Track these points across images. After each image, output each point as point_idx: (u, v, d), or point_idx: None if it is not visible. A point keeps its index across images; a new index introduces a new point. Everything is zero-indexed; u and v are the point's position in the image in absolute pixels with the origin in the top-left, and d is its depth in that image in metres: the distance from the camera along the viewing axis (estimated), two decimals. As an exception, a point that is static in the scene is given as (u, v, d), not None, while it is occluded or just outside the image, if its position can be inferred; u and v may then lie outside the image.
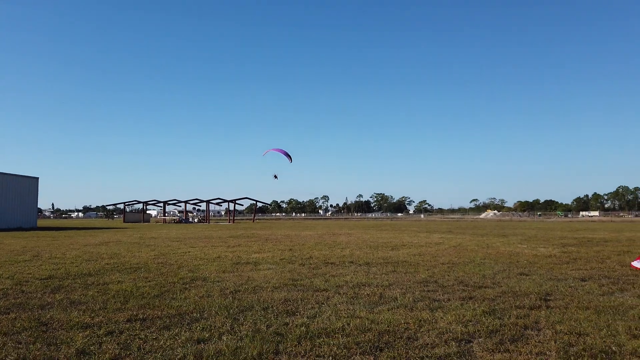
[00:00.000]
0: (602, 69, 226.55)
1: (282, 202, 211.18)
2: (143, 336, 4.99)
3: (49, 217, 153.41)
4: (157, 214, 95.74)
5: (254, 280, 8.75)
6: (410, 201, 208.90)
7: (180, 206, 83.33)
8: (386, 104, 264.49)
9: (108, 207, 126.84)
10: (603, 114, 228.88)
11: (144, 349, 4.57)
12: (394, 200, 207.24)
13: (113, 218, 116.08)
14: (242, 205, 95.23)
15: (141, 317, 5.84)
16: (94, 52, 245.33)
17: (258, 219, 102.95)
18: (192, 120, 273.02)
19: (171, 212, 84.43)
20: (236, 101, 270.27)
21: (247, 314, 6.01)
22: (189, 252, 14.96)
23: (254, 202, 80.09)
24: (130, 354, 4.42)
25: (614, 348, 4.48)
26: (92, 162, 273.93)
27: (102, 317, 5.83)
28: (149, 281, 8.70)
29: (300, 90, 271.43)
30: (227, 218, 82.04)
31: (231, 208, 75.13)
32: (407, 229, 34.58)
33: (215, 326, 5.39)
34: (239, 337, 4.92)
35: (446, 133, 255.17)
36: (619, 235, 24.65)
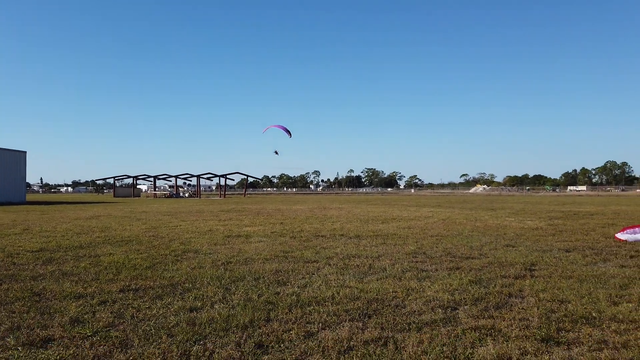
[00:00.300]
0: (590, 45, 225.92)
1: (273, 177, 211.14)
2: (136, 305, 5.07)
3: (37, 192, 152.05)
4: (148, 189, 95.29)
5: (246, 253, 8.84)
6: (401, 176, 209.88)
7: (170, 181, 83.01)
8: (377, 80, 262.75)
9: (98, 182, 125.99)
10: (592, 91, 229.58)
11: (137, 317, 4.65)
12: (385, 176, 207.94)
13: (103, 193, 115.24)
14: (233, 180, 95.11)
15: (134, 287, 5.91)
16: (84, 20, 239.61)
17: (249, 193, 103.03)
18: (183, 94, 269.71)
19: (162, 187, 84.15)
20: (228, 75, 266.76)
21: (238, 284, 6.11)
22: (180, 225, 15.01)
23: (245, 176, 79.93)
24: (123, 321, 4.50)
25: (594, 314, 4.64)
26: (81, 136, 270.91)
27: (95, 287, 5.89)
28: (141, 253, 8.76)
29: (293, 65, 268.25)
30: (218, 193, 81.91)
31: (222, 183, 75.00)
32: (397, 203, 34.87)
33: (207, 296, 5.48)
34: (231, 306, 5.02)
35: (437, 109, 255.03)
36: (605, 208, 25.09)
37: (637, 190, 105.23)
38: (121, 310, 4.87)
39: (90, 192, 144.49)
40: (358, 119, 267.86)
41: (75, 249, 9.39)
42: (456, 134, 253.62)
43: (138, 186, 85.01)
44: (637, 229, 11.51)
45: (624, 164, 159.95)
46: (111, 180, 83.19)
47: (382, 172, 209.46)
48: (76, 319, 4.57)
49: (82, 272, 6.89)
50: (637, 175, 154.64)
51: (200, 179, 74.41)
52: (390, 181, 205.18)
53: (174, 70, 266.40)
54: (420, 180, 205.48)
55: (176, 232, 12.68)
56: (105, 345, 3.87)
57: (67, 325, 4.36)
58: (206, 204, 35.38)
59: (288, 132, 34.59)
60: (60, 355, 3.68)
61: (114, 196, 70.70)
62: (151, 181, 79.63)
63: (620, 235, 10.80)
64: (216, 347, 3.81)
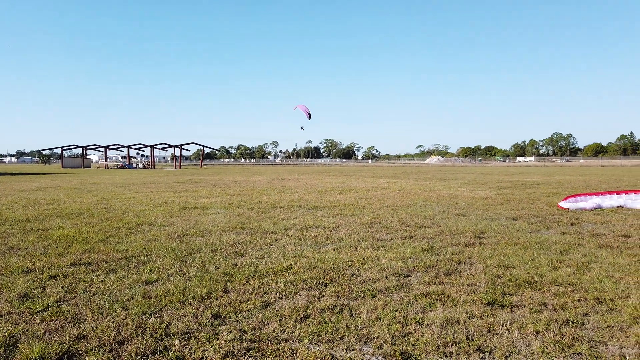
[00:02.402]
0: (537, 22, 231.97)
1: (231, 147, 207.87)
2: (88, 279, 4.96)
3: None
4: (98, 160, 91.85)
5: (202, 224, 8.76)
6: (359, 147, 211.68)
7: (122, 151, 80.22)
8: (335, 50, 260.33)
9: (44, 152, 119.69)
10: (540, 65, 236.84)
11: (90, 291, 4.56)
12: (343, 147, 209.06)
13: (50, 163, 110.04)
14: (189, 150, 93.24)
15: (85, 261, 5.76)
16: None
17: (206, 164, 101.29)
18: (134, 55, 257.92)
19: (113, 158, 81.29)
20: (185, 37, 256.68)
21: (195, 256, 6.07)
22: (134, 197, 14.63)
23: (201, 147, 78.40)
24: (75, 296, 4.39)
25: (536, 278, 4.94)
26: (24, 101, 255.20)
27: (44, 262, 5.70)
28: (93, 226, 8.51)
29: (250, 34, 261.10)
30: (174, 164, 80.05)
31: (177, 153, 73.22)
32: (355, 174, 35.29)
33: (163, 268, 5.42)
34: (187, 278, 5.00)
35: (393, 82, 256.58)
36: (550, 178, 26.38)
37: (581, 161, 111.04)
38: (73, 285, 4.75)
39: (36, 162, 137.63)
40: (315, 90, 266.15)
41: (22, 222, 9.00)
42: (412, 107, 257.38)
43: (88, 157, 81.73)
44: (578, 197, 12.21)
45: (569, 135, 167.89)
46: (59, 150, 79.42)
47: (341, 143, 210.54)
48: (25, 294, 4.43)
49: (30, 246, 6.63)
50: (580, 147, 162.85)
51: (155, 150, 72.37)
52: (349, 152, 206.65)
53: (128, 28, 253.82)
54: (377, 151, 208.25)
55: (129, 204, 12.35)
56: (56, 320, 3.79)
57: (15, 301, 4.22)
58: (161, 175, 34.54)
59: (309, 114, 34.68)
60: (9, 331, 3.57)
61: (62, 167, 67.69)
62: (102, 151, 76.63)
63: (563, 204, 11.43)
64: (173, 319, 3.80)
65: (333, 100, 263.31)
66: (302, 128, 40.05)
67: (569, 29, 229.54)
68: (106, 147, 72.78)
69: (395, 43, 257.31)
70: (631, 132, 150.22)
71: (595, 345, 3.31)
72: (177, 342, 3.38)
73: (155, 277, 5.04)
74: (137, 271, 5.30)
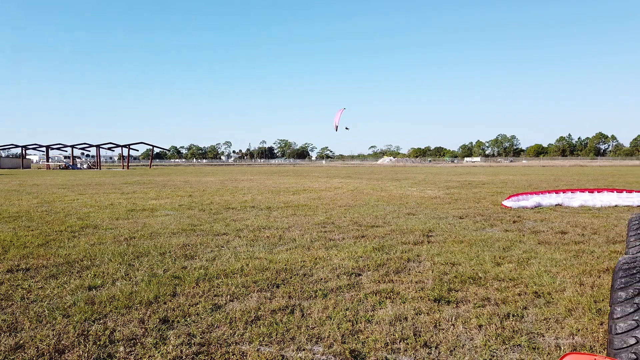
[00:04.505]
0: (483, 28, 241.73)
1: (182, 147, 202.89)
2: (27, 286, 4.70)
3: None
4: (40, 160, 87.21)
5: (151, 227, 8.51)
6: (313, 147, 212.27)
7: (66, 151, 76.55)
8: (289, 50, 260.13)
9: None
10: (485, 69, 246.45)
11: (28, 298, 4.32)
12: (297, 147, 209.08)
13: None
14: (138, 150, 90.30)
15: (24, 267, 5.46)
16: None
17: (155, 165, 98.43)
18: (79, 48, 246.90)
19: (56, 158, 77.42)
20: (124, 34, 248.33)
21: (142, 259, 5.89)
22: (78, 199, 14.01)
23: (151, 147, 76.20)
24: (12, 304, 4.16)
25: (480, 274, 5.14)
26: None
27: (-23, 269, 5.35)
28: (32, 230, 8.08)
29: (202, 30, 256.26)
30: (121, 164, 77.23)
31: (125, 153, 70.70)
32: (308, 175, 35.40)
33: (108, 273, 5.22)
34: (134, 282, 4.84)
35: (346, 83, 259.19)
36: (495, 178, 27.52)
37: (523, 162, 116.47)
38: (9, 292, 4.49)
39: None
40: (269, 89, 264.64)
41: (-48, 227, 8.41)
42: (365, 108, 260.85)
43: (28, 157, 77.44)
44: (520, 196, 12.82)
45: (513, 137, 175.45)
46: (-5, 150, 74.72)
47: (295, 143, 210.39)
48: (-46, 304, 4.14)
49: (-39, 253, 6.21)
50: (523, 148, 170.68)
51: (101, 150, 69.59)
52: (303, 152, 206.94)
53: (68, 22, 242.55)
54: (331, 151, 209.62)
55: (73, 207, 11.82)
56: (-10, 330, 3.56)
57: (-58, 312, 3.93)
58: (107, 176, 33.26)
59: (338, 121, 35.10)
60: None
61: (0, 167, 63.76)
62: (43, 151, 72.88)
63: (506, 203, 11.96)
64: (118, 325, 3.67)
65: (287, 100, 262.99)
66: (346, 128, 40.32)
67: (512, 34, 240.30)
68: (48, 147, 69.28)
69: (348, 45, 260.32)
70: (569, 134, 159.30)
71: (534, 337, 3.49)
72: (122, 348, 3.27)
73: (99, 282, 4.85)
74: (80, 276, 5.08)
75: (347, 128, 40.14)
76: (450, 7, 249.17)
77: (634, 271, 2.67)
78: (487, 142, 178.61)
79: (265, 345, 3.35)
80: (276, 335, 3.51)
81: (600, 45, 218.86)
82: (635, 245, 4.43)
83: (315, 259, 5.92)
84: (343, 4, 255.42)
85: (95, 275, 5.13)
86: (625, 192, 13.46)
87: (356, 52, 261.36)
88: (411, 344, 3.35)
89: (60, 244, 6.85)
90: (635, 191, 13.47)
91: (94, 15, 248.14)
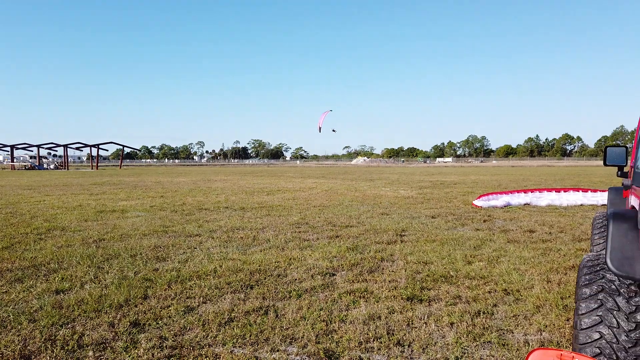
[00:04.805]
0: (453, 31, 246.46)
1: (153, 147, 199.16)
2: (-10, 291, 4.54)
3: None
4: (4, 160, 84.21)
5: (121, 228, 8.34)
6: (287, 148, 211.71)
7: (32, 151, 74.15)
8: (262, 50, 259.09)
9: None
10: (456, 72, 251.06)
11: (-9, 304, 4.17)
12: (272, 147, 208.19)
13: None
14: (107, 150, 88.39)
15: (-14, 271, 5.27)
16: None
17: (126, 165, 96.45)
18: (47, 44, 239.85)
19: (21, 158, 74.90)
20: (91, 31, 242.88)
21: (112, 262, 5.77)
22: (44, 200, 13.60)
23: (121, 147, 74.63)
24: (-26, 310, 4.00)
25: (452, 273, 5.23)
26: None
27: (-64, 274, 5.13)
28: (-5, 233, 7.80)
29: (174, 29, 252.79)
30: (90, 164, 75.37)
31: (94, 153, 69.00)
32: (283, 175, 35.30)
33: (76, 276, 5.09)
34: (103, 285, 4.73)
35: (321, 85, 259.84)
36: (466, 178, 28.04)
37: (493, 162, 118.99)
38: (-29, 298, 4.32)
39: None
40: (243, 89, 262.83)
41: None
42: (340, 109, 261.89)
43: (-9, 157, 74.71)
44: (490, 196, 13.10)
45: (483, 138, 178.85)
46: (-45, 150, 71.81)
47: (269, 143, 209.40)
48: None
49: None
50: (493, 148, 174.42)
51: (69, 149, 67.73)
52: (277, 153, 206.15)
53: (33, 15, 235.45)
54: (305, 152, 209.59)
55: (39, 208, 11.47)
56: (-50, 338, 3.43)
57: None
58: (75, 177, 32.41)
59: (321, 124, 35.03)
60: None
61: (-40, 168, 61.30)
62: (8, 151, 70.34)
63: (477, 202, 12.20)
64: (86, 330, 3.58)
65: (262, 100, 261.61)
66: (333, 130, 40.39)
67: (481, 40, 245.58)
68: (12, 147, 66.90)
69: (323, 47, 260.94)
70: (537, 135, 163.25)
71: (503, 333, 3.57)
72: (91, 353, 3.19)
73: (67, 285, 4.72)
74: (47, 280, 4.94)
75: (333, 130, 40.49)
76: (420, 12, 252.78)
77: (598, 268, 2.76)
78: (459, 142, 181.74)
79: (239, 346, 3.33)
80: (250, 336, 3.49)
81: (566, 50, 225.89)
82: (600, 243, 4.58)
83: (290, 259, 5.91)
84: (312, 4, 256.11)
85: (62, 278, 5.00)
86: (590, 191, 13.93)
87: (331, 55, 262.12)
88: (385, 342, 3.38)
89: (26, 247, 6.64)
90: (600, 190, 13.96)
91: (54, 8, 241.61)
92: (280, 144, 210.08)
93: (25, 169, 57.96)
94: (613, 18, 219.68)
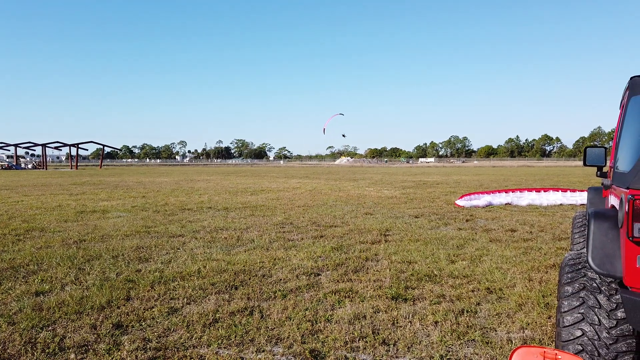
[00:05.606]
0: (434, 34, 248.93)
1: (134, 147, 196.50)
2: (-34, 294, 4.42)
3: None
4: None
5: (102, 229, 8.21)
6: (271, 147, 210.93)
7: (9, 150, 72.50)
8: (245, 50, 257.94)
9: None
10: (437, 73, 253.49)
11: (-33, 307, 4.06)
12: (255, 147, 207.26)
13: None
14: (87, 150, 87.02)
15: (-38, 273, 5.13)
16: None
17: (106, 165, 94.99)
18: (26, 43, 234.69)
19: (-2, 157, 73.23)
20: (72, 28, 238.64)
21: (94, 263, 5.67)
22: (22, 201, 13.31)
23: (101, 146, 73.53)
24: (-51, 313, 3.90)
25: (435, 272, 5.27)
26: None
27: None
28: (-29, 234, 7.61)
29: (156, 29, 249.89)
30: (69, 164, 74.01)
31: (73, 153, 67.80)
32: (266, 175, 35.18)
33: (56, 277, 5.00)
34: (85, 287, 4.65)
35: (303, 85, 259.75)
36: (448, 178, 28.33)
37: (475, 162, 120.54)
38: (-54, 301, 4.21)
39: None
40: (227, 88, 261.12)
41: None
42: (323, 109, 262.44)
43: (-34, 156, 72.89)
44: (472, 196, 13.25)
45: (465, 138, 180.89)
46: None
47: (252, 143, 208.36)
48: None
49: None
50: (474, 149, 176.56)
51: (47, 149, 66.45)
52: (260, 153, 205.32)
53: (16, 8, 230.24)
54: (289, 152, 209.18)
55: (17, 209, 11.23)
56: None
57: None
58: (54, 177, 31.81)
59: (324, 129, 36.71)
60: None
61: None
62: (-17, 150, 68.71)
63: (459, 202, 12.34)
64: (68, 332, 3.52)
65: (245, 100, 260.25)
66: (343, 135, 42.68)
67: (464, 40, 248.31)
68: (-12, 146, 65.34)
69: (303, 45, 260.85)
70: (517, 136, 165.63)
71: (487, 331, 3.61)
72: (73, 355, 3.13)
73: (47, 287, 4.63)
74: (26, 282, 4.83)
75: (344, 135, 42.15)
76: (401, 14, 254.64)
77: (579, 267, 2.81)
78: (441, 143, 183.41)
79: (224, 347, 3.30)
80: (235, 337, 3.46)
81: (546, 53, 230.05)
82: (580, 242, 4.67)
83: (274, 259, 5.89)
84: (297, 4, 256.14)
85: (42, 280, 4.90)
86: (569, 191, 14.19)
87: (315, 55, 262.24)
88: (370, 342, 3.40)
89: (4, 248, 6.49)
90: (579, 190, 14.23)
91: (30, 4, 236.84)
92: (263, 143, 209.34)
93: (2, 168, 56.68)
94: (591, 21, 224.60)
